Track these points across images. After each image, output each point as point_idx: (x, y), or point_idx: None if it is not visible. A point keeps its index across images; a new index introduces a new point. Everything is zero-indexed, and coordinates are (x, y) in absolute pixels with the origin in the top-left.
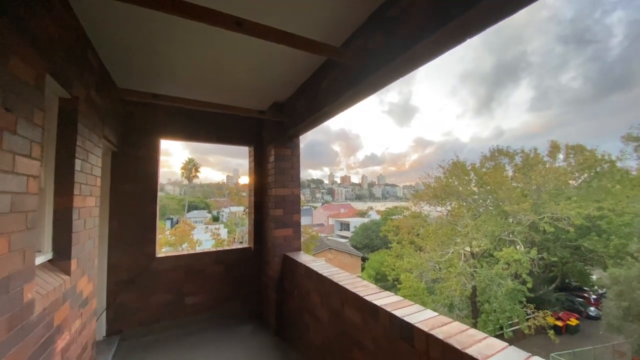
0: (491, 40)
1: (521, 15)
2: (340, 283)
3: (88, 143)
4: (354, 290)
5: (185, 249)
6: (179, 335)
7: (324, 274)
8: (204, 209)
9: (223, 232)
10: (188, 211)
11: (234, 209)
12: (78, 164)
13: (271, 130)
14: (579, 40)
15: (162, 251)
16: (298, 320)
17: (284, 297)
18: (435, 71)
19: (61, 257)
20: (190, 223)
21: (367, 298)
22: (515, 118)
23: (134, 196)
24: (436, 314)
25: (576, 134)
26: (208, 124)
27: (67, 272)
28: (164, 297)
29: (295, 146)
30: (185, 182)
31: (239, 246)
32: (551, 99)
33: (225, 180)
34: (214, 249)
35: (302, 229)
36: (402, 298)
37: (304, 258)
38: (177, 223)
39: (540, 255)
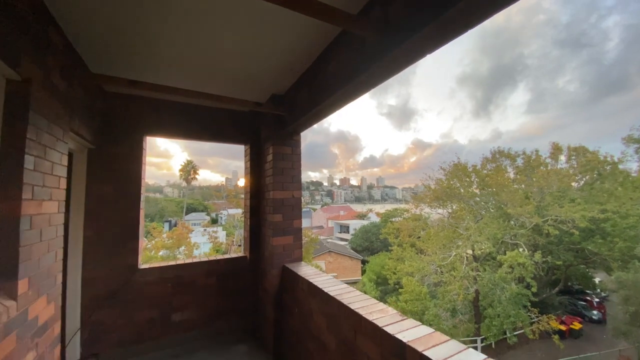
0: (488, 43)
1: (518, 17)
2: (351, 306)
3: (46, 137)
4: (369, 318)
5: (182, 252)
6: (165, 357)
7: (331, 293)
8: (202, 211)
9: (221, 235)
10: (186, 213)
11: (232, 211)
12: (29, 160)
13: (269, 126)
14: (574, 44)
15: (159, 255)
16: (300, 344)
17: (283, 314)
18: (433, 74)
19: (5, 277)
20: (188, 226)
21: (387, 329)
22: (513, 120)
23: (114, 200)
24: (484, 356)
25: (573, 136)
26: (199, 120)
27: (13, 296)
28: (147, 313)
29: (295, 144)
30: (184, 184)
31: (233, 255)
32: (548, 101)
33: (224, 182)
34: (205, 259)
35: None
36: (432, 330)
37: (306, 271)
38: (175, 225)
39: (544, 259)
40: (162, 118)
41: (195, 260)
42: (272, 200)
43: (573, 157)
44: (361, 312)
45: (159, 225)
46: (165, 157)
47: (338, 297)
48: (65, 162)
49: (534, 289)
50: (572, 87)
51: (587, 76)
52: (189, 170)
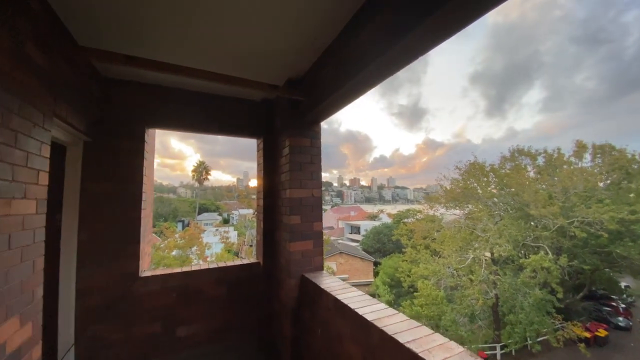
0: (502, 41)
1: (532, 13)
2: (399, 339)
3: (17, 120)
4: None
5: (194, 252)
6: None
7: (368, 317)
8: (214, 211)
9: (233, 235)
10: (199, 214)
11: (243, 211)
12: None
13: (285, 115)
14: (592, 40)
15: (171, 254)
16: None
17: (302, 333)
18: (444, 73)
19: None
20: (200, 226)
21: None
22: (528, 119)
23: (112, 199)
24: None
25: (592, 134)
26: (207, 110)
27: None
28: (149, 327)
29: (315, 135)
30: (196, 184)
31: (245, 261)
32: (565, 99)
33: (235, 183)
34: (214, 265)
35: None
36: None
37: (331, 283)
38: (188, 225)
39: (570, 263)
40: (165, 108)
41: (202, 267)
42: (288, 199)
43: (598, 155)
44: (415, 349)
45: (172, 225)
46: (180, 159)
47: (378, 324)
48: (47, 153)
49: (559, 295)
50: (590, 85)
51: (606, 73)
52: (201, 171)
